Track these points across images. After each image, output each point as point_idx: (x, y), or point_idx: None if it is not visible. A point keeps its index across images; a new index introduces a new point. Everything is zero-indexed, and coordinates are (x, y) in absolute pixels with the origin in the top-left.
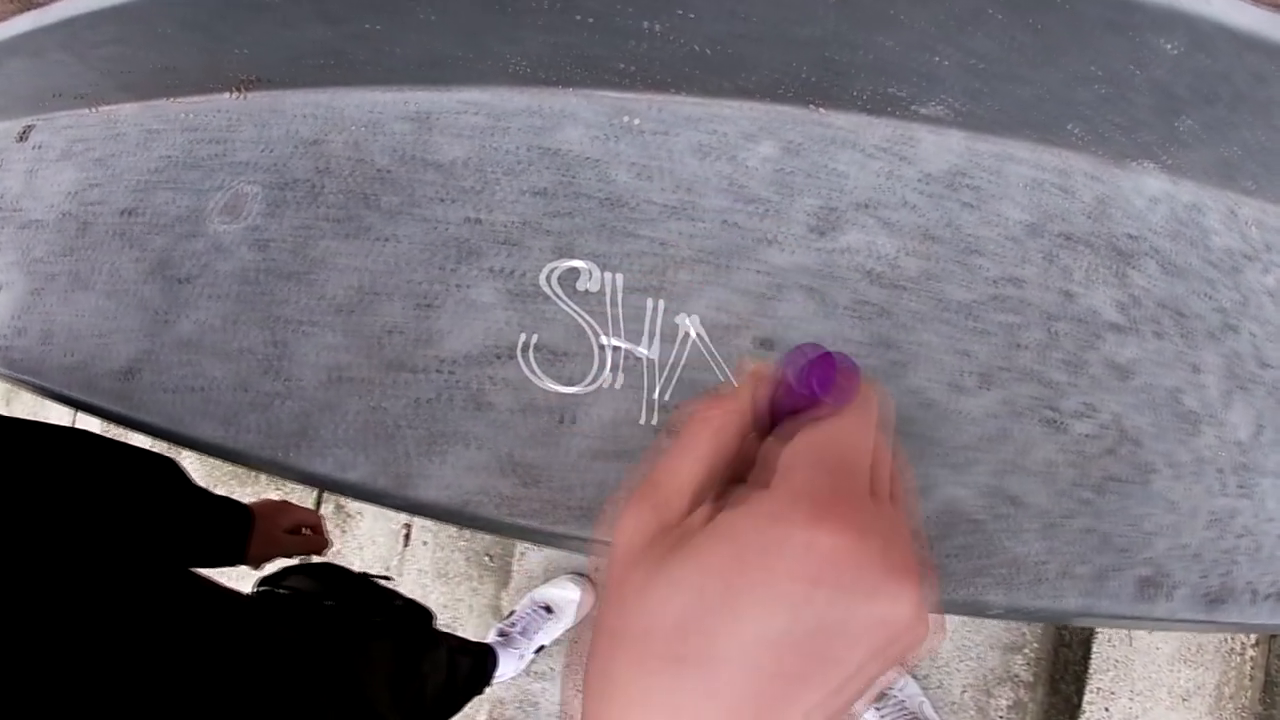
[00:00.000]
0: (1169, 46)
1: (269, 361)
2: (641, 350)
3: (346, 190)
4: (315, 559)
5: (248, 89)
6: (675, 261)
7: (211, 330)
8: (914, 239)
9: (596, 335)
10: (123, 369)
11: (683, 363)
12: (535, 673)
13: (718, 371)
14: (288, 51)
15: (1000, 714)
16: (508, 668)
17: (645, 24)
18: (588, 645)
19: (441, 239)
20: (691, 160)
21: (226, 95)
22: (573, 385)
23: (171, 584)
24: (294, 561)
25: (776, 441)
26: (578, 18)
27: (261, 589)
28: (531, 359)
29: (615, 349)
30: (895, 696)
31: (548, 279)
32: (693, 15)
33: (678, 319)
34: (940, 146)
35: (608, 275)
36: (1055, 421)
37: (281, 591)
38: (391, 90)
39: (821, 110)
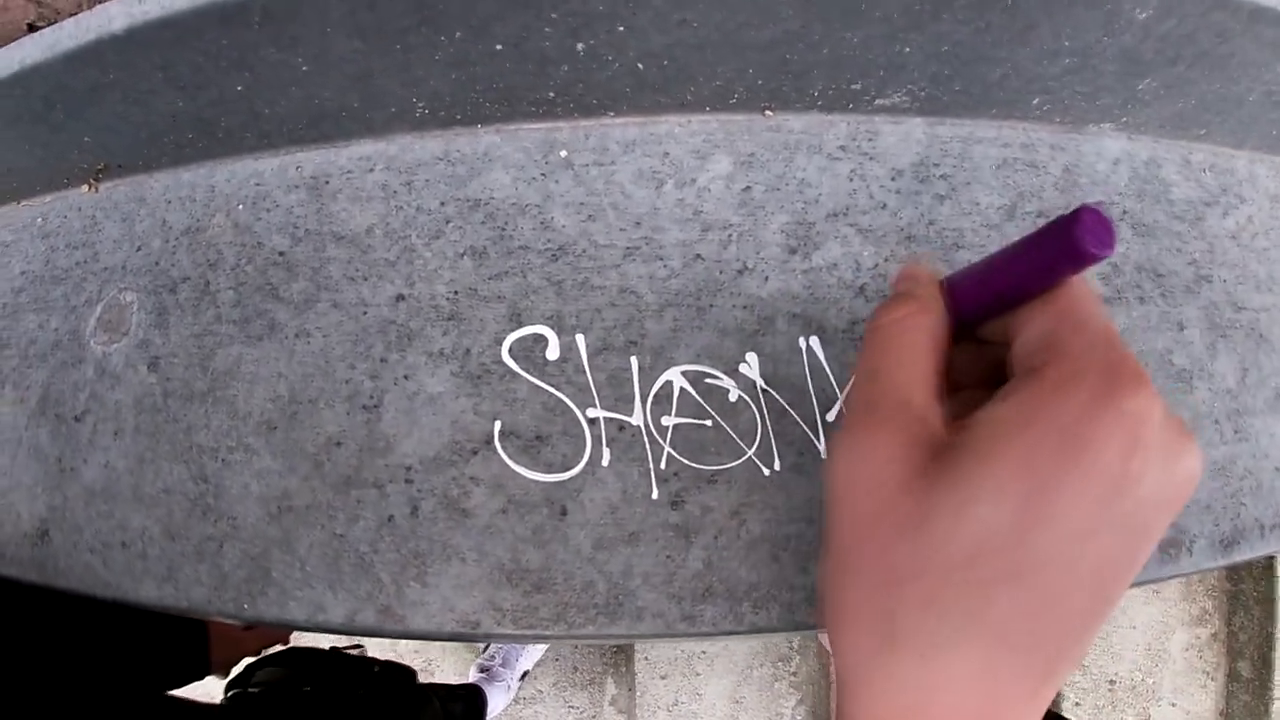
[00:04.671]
0: (1140, 13)
1: (198, 501)
2: (632, 418)
3: (241, 283)
4: (279, 646)
5: (100, 180)
6: (645, 310)
7: (122, 474)
8: (895, 243)
9: (578, 409)
10: (33, 532)
11: (679, 423)
12: (524, 699)
13: (716, 425)
14: (141, 131)
15: None
16: (497, 702)
17: (573, 45)
18: (839, 602)
19: (368, 325)
20: (640, 190)
21: (80, 190)
22: (562, 471)
23: (142, 714)
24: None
25: (991, 334)
26: (494, 46)
27: (232, 694)
28: (508, 448)
29: (601, 421)
30: None
31: (509, 352)
32: (630, 29)
33: (663, 375)
34: (903, 137)
35: (573, 337)
36: None
37: (253, 690)
38: (273, 156)
39: (774, 115)
